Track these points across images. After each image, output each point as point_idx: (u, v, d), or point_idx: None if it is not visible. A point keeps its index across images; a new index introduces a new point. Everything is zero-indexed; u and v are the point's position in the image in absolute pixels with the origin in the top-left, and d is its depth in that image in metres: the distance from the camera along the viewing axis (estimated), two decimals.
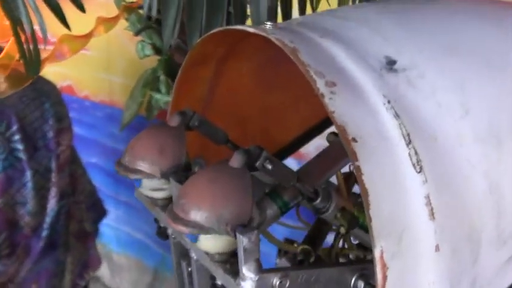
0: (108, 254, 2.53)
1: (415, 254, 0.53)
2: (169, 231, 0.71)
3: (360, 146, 0.52)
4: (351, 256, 0.80)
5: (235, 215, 0.55)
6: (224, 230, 0.54)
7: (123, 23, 1.55)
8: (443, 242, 0.54)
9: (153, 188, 0.69)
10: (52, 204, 1.48)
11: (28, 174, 1.39)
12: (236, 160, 0.57)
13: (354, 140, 0.52)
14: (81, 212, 1.66)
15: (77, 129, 1.75)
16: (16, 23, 0.88)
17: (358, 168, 0.51)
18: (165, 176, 0.66)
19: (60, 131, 1.50)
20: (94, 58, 2.30)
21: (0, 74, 1.02)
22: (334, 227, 0.77)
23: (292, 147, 0.96)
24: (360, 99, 0.56)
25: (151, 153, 0.65)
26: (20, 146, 1.37)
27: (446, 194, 0.55)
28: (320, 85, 0.55)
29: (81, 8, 0.87)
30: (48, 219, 1.44)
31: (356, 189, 0.90)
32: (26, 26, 0.88)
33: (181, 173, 0.66)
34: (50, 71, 1.51)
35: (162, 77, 1.46)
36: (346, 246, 0.80)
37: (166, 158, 0.66)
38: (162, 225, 0.72)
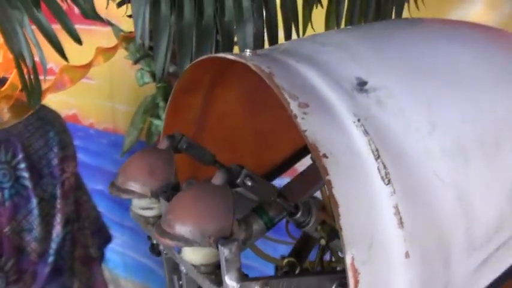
0: (115, 279, 2.54)
1: (386, 260, 0.57)
2: (161, 247, 0.76)
3: (330, 161, 0.56)
4: (338, 268, 0.84)
5: (218, 228, 0.59)
6: (207, 242, 0.58)
7: (123, 52, 1.60)
8: (413, 249, 0.58)
9: (142, 207, 0.73)
10: (58, 230, 1.50)
11: (34, 201, 1.43)
12: (218, 178, 0.61)
13: (325, 156, 0.56)
14: (87, 238, 1.68)
15: (82, 157, 1.79)
16: (18, 56, 0.93)
17: (328, 182, 0.55)
18: (155, 195, 0.70)
19: (65, 159, 1.53)
20: (97, 87, 2.36)
21: (4, 104, 1.06)
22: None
23: (282, 167, 1.00)
24: (331, 118, 0.60)
25: (142, 175, 0.70)
26: (25, 174, 1.41)
27: (415, 203, 0.59)
28: (293, 107, 0.59)
29: (78, 41, 0.92)
30: (54, 245, 1.48)
31: None
32: (28, 60, 0.93)
33: (170, 192, 0.70)
34: (55, 100, 1.55)
35: (161, 104, 1.51)
36: (333, 259, 0.84)
37: (156, 179, 0.70)
38: (154, 242, 0.76)
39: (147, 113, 1.52)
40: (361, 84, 0.64)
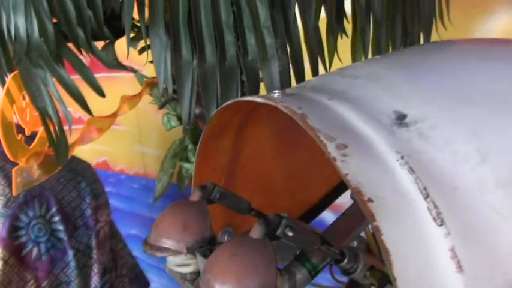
0: None
1: None
2: None
3: (376, 206, 0.52)
4: None
5: (260, 285, 0.55)
6: None
7: (148, 97, 1.59)
8: None
9: (178, 263, 0.70)
10: (95, 281, 1.50)
11: (70, 253, 1.43)
12: (256, 231, 0.57)
13: (370, 200, 0.52)
14: (125, 286, 1.67)
15: (114, 203, 1.79)
16: (43, 113, 0.92)
17: (377, 228, 0.51)
18: (190, 251, 0.66)
19: (98, 208, 1.54)
20: (126, 133, 2.38)
21: (33, 161, 1.05)
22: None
23: (319, 207, 0.96)
24: (372, 158, 0.56)
25: (175, 231, 0.66)
26: (60, 227, 1.41)
27: (473, 244, 0.54)
28: (331, 149, 0.55)
29: (101, 94, 0.90)
30: None
31: None
32: (53, 116, 0.92)
33: (206, 247, 0.66)
34: (85, 149, 1.55)
35: (190, 146, 1.49)
36: None
37: (191, 234, 0.66)
38: None
39: (176, 157, 1.50)
40: (401, 118, 0.60)
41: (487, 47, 0.79)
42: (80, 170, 1.56)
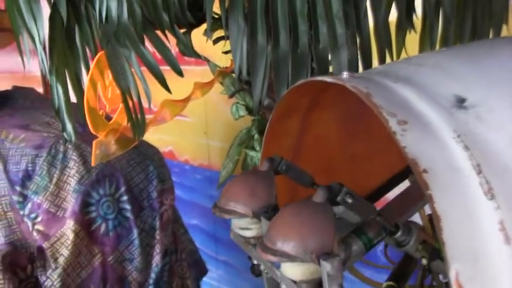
0: None
1: (492, 278, 0.56)
2: (262, 267, 0.77)
3: (430, 176, 0.56)
4: None
5: (320, 244, 0.60)
6: (309, 258, 0.60)
7: (218, 88, 1.65)
8: None
9: (241, 226, 0.76)
10: (157, 260, 1.53)
11: (135, 232, 1.47)
12: (319, 195, 0.63)
13: (425, 171, 0.57)
14: (184, 269, 1.70)
15: (177, 192, 1.84)
16: (125, 91, 0.99)
17: (429, 196, 0.55)
18: (256, 215, 0.73)
19: (163, 191, 1.57)
20: (193, 124, 2.44)
21: (111, 136, 1.12)
22: (418, 265, 0.80)
23: (378, 193, 1.00)
24: (430, 134, 0.60)
25: (244, 196, 0.73)
26: (127, 206, 1.46)
27: None
28: (392, 124, 0.60)
29: (180, 73, 0.97)
30: (153, 275, 1.51)
31: None
32: (133, 93, 0.99)
33: (271, 212, 0.72)
34: (153, 138, 1.62)
35: (256, 136, 1.54)
36: (435, 283, 0.82)
37: (257, 200, 0.73)
38: (255, 262, 0.78)
39: (242, 145, 1.56)
40: (460, 101, 0.64)
41: None
42: (149, 154, 1.61)
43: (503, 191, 0.58)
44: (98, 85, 1.04)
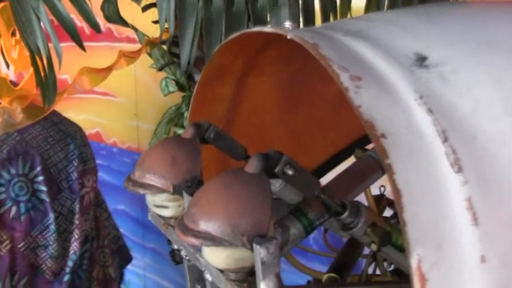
0: None
1: (458, 264, 0.47)
2: (183, 253, 0.65)
3: (390, 142, 0.47)
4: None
5: (252, 224, 0.49)
6: (239, 241, 0.48)
7: (148, 61, 1.54)
8: (490, 251, 0.47)
9: (157, 204, 0.64)
10: (75, 247, 1.46)
11: (51, 216, 1.37)
12: (253, 165, 0.51)
13: (384, 136, 0.47)
14: (106, 257, 1.63)
15: (104, 176, 1.74)
16: (33, 48, 0.87)
17: (389, 166, 0.46)
18: (177, 190, 0.61)
19: (85, 173, 1.49)
20: (122, 105, 2.33)
21: (17, 104, 1.01)
22: (364, 253, 0.71)
23: (318, 172, 0.91)
24: (388, 94, 0.51)
25: (163, 167, 0.60)
26: (43, 188, 1.35)
27: (491, 197, 0.49)
28: (344, 79, 0.50)
29: (98, 29, 0.85)
30: (70, 263, 1.42)
31: (387, 213, 0.84)
32: (42, 51, 0.87)
33: (194, 187, 0.60)
34: (78, 119, 1.52)
35: (186, 113, 1.44)
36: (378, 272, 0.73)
37: (179, 171, 0.60)
38: (175, 247, 0.66)
39: (171, 123, 1.46)
40: (421, 60, 0.55)
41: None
42: (70, 132, 1.51)
43: (471, 163, 0.49)
44: (1, 40, 0.91)
